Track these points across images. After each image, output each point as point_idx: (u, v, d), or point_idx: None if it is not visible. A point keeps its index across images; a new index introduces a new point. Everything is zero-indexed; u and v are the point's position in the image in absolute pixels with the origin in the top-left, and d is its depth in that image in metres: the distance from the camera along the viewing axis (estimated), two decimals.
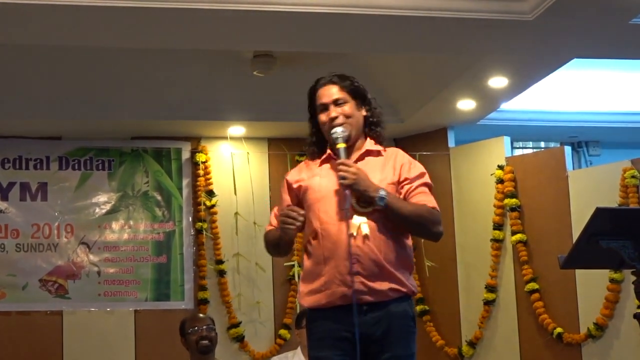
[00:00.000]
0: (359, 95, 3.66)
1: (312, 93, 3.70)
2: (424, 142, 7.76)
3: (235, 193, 7.56)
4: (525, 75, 6.54)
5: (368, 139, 3.68)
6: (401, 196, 3.56)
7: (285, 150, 7.57)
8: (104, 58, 6.38)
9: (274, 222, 3.71)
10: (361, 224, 3.48)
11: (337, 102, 3.61)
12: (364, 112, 3.67)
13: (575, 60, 6.34)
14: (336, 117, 3.59)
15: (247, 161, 7.68)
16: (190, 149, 7.68)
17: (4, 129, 7.25)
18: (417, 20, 5.16)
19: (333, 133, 3.57)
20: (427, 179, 3.64)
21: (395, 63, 6.73)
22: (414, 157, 7.43)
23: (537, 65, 6.36)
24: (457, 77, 6.53)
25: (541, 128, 8.07)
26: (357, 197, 3.49)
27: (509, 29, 5.33)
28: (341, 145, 3.55)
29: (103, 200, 7.48)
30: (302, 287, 3.60)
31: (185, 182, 7.63)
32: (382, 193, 3.46)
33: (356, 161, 3.60)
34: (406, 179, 3.59)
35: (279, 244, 3.66)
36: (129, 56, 6.37)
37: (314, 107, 3.68)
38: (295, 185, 3.68)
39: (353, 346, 3.44)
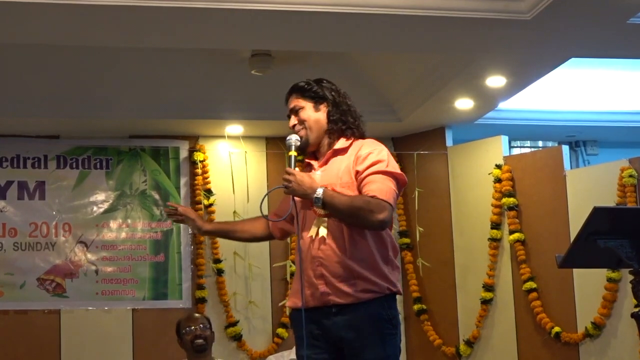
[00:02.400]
0: (313, 96, 3.70)
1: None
2: (422, 141, 7.77)
3: (233, 192, 7.56)
4: (523, 75, 6.54)
5: (340, 137, 3.69)
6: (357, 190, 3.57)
7: (283, 149, 7.55)
8: (102, 57, 6.37)
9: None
10: (320, 226, 3.54)
11: (293, 111, 3.72)
12: (323, 112, 3.69)
13: (573, 59, 6.34)
14: (293, 126, 3.70)
15: (245, 160, 7.68)
16: (188, 147, 7.68)
17: (2, 128, 7.24)
18: (414, 19, 5.16)
19: (287, 141, 3.68)
20: (380, 166, 3.56)
21: (393, 62, 6.73)
22: (411, 156, 7.59)
23: (535, 65, 6.36)
24: (455, 76, 6.53)
25: (539, 127, 8.07)
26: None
27: (506, 28, 5.33)
28: (292, 153, 3.65)
29: (101, 199, 7.48)
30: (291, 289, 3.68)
31: (183, 181, 7.63)
32: (318, 193, 3.48)
33: (323, 164, 3.65)
34: (357, 172, 3.58)
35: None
36: (126, 55, 6.37)
37: None
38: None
39: (329, 344, 3.52)
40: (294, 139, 3.67)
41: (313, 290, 3.53)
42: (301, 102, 3.70)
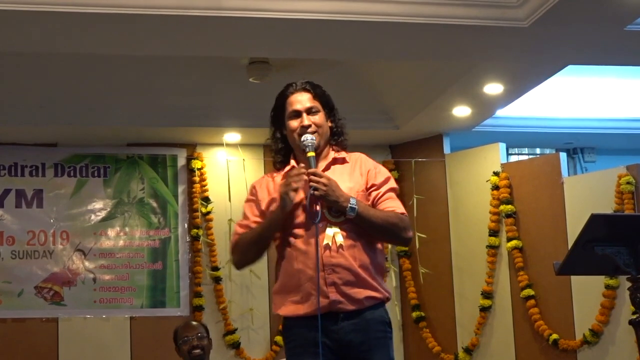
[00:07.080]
0: (328, 105, 3.65)
1: (282, 99, 3.68)
2: (420, 148, 7.78)
3: (229, 200, 7.55)
4: (521, 82, 6.55)
5: (332, 148, 3.65)
6: (369, 202, 3.54)
7: None
8: (100, 65, 6.38)
9: (240, 230, 3.63)
10: (335, 234, 3.47)
11: (310, 111, 3.60)
12: (329, 123, 3.65)
13: (570, 66, 6.36)
14: (309, 126, 3.56)
15: (243, 168, 7.69)
16: (185, 155, 7.68)
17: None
18: (412, 27, 5.17)
19: (303, 140, 3.54)
20: (392, 183, 3.61)
21: (391, 70, 6.74)
22: (409, 163, 7.59)
23: (533, 72, 6.37)
24: (452, 84, 6.54)
25: (536, 134, 8.07)
26: (328, 207, 3.46)
27: (504, 36, 5.34)
28: (311, 154, 3.51)
29: (99, 207, 7.48)
30: (279, 298, 3.56)
31: (180, 188, 7.63)
32: (353, 202, 3.43)
33: (323, 171, 3.56)
34: (373, 185, 3.56)
35: (261, 235, 3.54)
36: (124, 63, 6.37)
37: (282, 113, 3.67)
38: (263, 205, 3.61)
39: (331, 352, 3.46)
40: (310, 139, 3.52)
41: (321, 298, 3.44)
42: (318, 106, 3.61)
